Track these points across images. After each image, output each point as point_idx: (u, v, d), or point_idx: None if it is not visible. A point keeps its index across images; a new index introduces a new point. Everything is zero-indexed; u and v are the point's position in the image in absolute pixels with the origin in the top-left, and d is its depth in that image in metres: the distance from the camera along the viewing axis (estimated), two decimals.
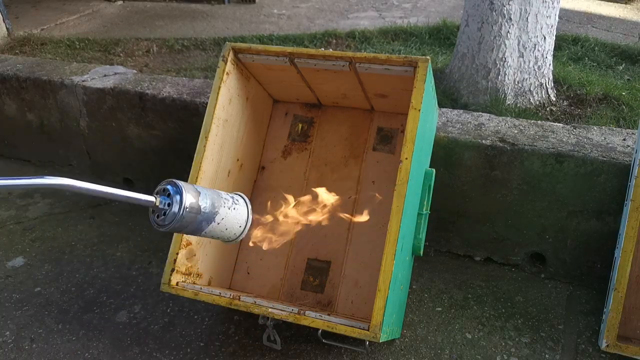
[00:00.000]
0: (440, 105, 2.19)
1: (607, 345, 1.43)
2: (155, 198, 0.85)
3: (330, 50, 1.80)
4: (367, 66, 1.40)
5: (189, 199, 0.85)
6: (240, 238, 0.98)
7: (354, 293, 1.58)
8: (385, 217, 1.59)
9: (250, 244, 1.08)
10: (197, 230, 0.91)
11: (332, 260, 1.63)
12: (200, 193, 0.88)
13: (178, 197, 0.85)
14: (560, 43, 3.22)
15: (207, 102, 1.70)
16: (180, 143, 2.17)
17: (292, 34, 3.80)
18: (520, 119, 1.83)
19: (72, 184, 0.77)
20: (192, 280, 1.48)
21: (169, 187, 0.86)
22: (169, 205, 0.85)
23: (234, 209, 0.94)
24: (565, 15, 4.30)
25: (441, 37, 3.49)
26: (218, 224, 0.92)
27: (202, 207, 0.88)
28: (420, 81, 1.32)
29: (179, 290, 1.39)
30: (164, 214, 0.85)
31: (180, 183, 0.86)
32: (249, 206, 0.97)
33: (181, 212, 0.85)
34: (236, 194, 0.98)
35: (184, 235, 1.42)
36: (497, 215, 1.78)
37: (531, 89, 2.53)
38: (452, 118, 1.84)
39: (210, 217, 0.90)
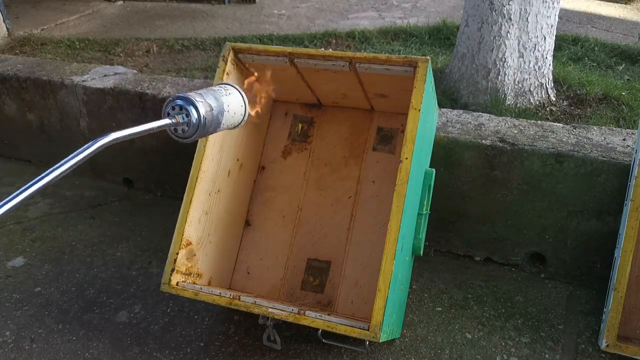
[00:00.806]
0: (440, 105, 2.19)
1: (607, 345, 1.43)
2: (173, 117, 0.92)
3: (330, 50, 1.80)
4: (367, 66, 1.40)
5: (200, 103, 0.92)
6: (247, 117, 1.06)
7: (354, 293, 1.58)
8: (385, 217, 1.59)
9: None
10: (217, 126, 0.98)
11: (332, 260, 1.63)
12: (202, 95, 0.95)
13: (191, 107, 0.91)
14: (560, 43, 3.23)
15: None
16: (180, 143, 2.16)
17: (292, 34, 3.80)
18: (520, 119, 1.83)
19: (117, 136, 0.85)
20: (192, 280, 1.48)
21: (178, 102, 0.92)
22: (187, 116, 0.91)
23: (230, 93, 1.02)
24: (565, 15, 4.30)
25: (441, 37, 3.49)
26: (228, 111, 1.00)
27: (211, 104, 0.95)
28: (420, 81, 1.32)
29: (179, 290, 1.39)
30: (188, 125, 0.92)
31: (185, 94, 0.92)
32: (237, 86, 1.04)
33: (202, 116, 0.92)
34: (219, 85, 1.05)
35: (184, 235, 1.42)
36: (497, 215, 1.78)
37: (531, 89, 2.53)
38: (452, 118, 1.84)
39: (220, 109, 0.97)
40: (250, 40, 3.61)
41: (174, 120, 0.92)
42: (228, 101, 1.00)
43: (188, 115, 0.91)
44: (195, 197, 1.44)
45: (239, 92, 1.04)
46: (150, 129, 0.89)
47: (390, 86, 1.49)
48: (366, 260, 1.60)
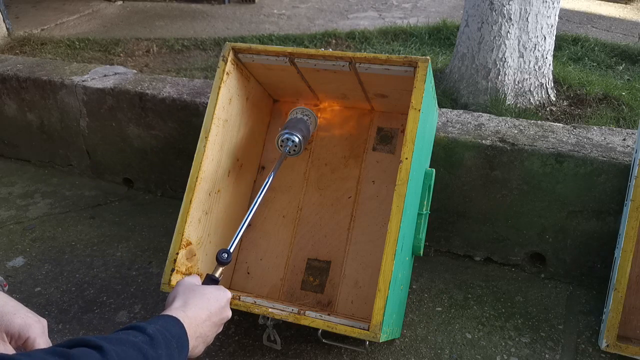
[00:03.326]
0: (440, 105, 2.19)
1: (607, 345, 1.43)
2: (286, 147, 1.48)
3: (330, 50, 1.80)
4: (367, 66, 1.40)
5: (297, 130, 1.50)
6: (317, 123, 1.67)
7: (354, 293, 1.58)
8: (385, 217, 1.59)
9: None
10: (309, 135, 1.58)
11: (332, 260, 1.63)
12: (296, 122, 1.55)
13: (294, 137, 1.48)
14: (560, 43, 3.23)
15: (207, 102, 1.70)
16: (180, 143, 2.17)
17: (292, 34, 3.80)
18: (520, 119, 1.83)
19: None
20: None
21: (285, 136, 1.48)
22: (295, 145, 1.48)
23: (308, 115, 1.62)
24: (565, 15, 4.30)
25: (441, 37, 3.49)
26: (310, 130, 1.59)
27: (302, 128, 1.53)
28: (420, 81, 1.32)
29: None
30: (296, 147, 1.49)
31: (289, 130, 1.49)
32: (308, 110, 1.63)
33: (301, 140, 1.49)
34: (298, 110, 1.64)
35: (184, 235, 1.42)
36: (497, 215, 1.78)
37: (531, 89, 2.53)
38: (452, 118, 1.84)
39: (308, 129, 1.58)
40: (250, 40, 3.61)
41: (287, 150, 1.48)
42: (309, 122, 1.60)
43: (296, 145, 1.48)
44: (195, 197, 1.44)
45: (311, 112, 1.63)
46: (279, 166, 1.46)
47: (390, 86, 1.49)
48: (366, 260, 1.60)
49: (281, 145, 1.48)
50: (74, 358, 0.64)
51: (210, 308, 0.95)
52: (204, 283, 1.08)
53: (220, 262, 1.13)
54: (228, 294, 1.03)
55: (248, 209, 1.73)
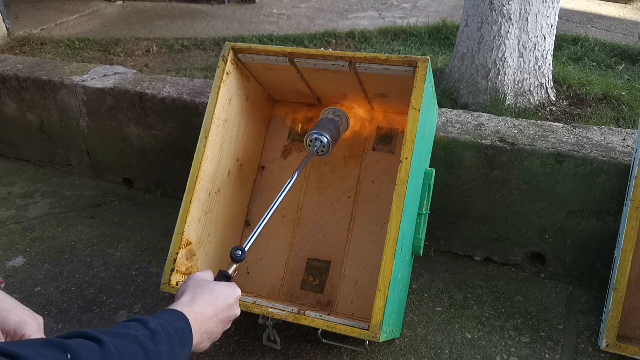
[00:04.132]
0: (440, 105, 2.19)
1: (607, 345, 1.43)
2: (314, 147, 1.47)
3: (330, 50, 1.80)
4: (367, 66, 1.40)
5: (327, 131, 1.48)
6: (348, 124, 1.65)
7: (354, 293, 1.58)
8: (385, 217, 1.59)
9: None
10: (339, 137, 1.56)
11: (332, 260, 1.63)
12: (327, 123, 1.53)
13: (322, 137, 1.46)
14: (560, 43, 3.23)
15: (207, 102, 1.70)
16: (180, 143, 2.17)
17: (292, 34, 3.80)
18: (520, 119, 1.83)
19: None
20: None
21: (314, 136, 1.47)
22: (324, 146, 1.47)
23: (339, 116, 1.62)
24: (565, 15, 4.30)
25: (441, 37, 3.49)
26: (340, 131, 1.58)
27: (331, 129, 1.51)
28: (420, 81, 1.32)
29: None
30: (324, 147, 1.47)
31: (319, 130, 1.48)
32: (340, 111, 1.63)
33: (330, 141, 1.47)
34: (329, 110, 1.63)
35: (184, 235, 1.42)
36: (497, 215, 1.78)
37: (531, 89, 2.53)
38: (452, 118, 1.84)
39: (339, 130, 1.56)
40: (250, 41, 3.61)
41: (315, 150, 1.47)
42: (341, 122, 1.59)
43: (325, 146, 1.47)
44: (195, 197, 1.44)
45: (343, 113, 1.62)
46: (304, 166, 1.44)
47: (390, 86, 1.49)
48: (366, 260, 1.60)
49: (309, 145, 1.47)
50: (70, 349, 0.63)
51: (218, 305, 0.95)
52: (216, 279, 1.07)
53: (233, 259, 1.11)
54: (238, 292, 1.03)
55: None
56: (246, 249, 1.14)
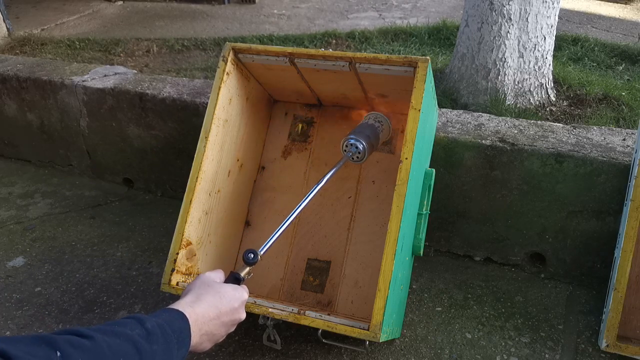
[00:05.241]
0: (440, 105, 2.19)
1: (607, 345, 1.43)
2: (348, 153, 1.42)
3: (330, 50, 1.80)
4: (367, 66, 1.40)
5: (364, 137, 1.43)
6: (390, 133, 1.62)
7: (354, 293, 1.58)
8: (385, 217, 1.59)
9: None
10: (377, 143, 1.51)
11: (332, 260, 1.63)
12: (365, 128, 1.49)
13: (358, 143, 1.41)
14: (560, 43, 3.23)
15: (207, 102, 1.70)
16: (180, 143, 2.17)
17: (292, 34, 3.80)
18: (520, 119, 1.83)
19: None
20: None
21: (351, 142, 1.42)
22: (359, 152, 1.42)
23: (380, 121, 1.56)
24: (565, 15, 4.30)
25: (441, 37, 3.49)
26: (379, 138, 1.53)
27: (369, 135, 1.47)
28: (420, 81, 1.32)
29: (179, 291, 1.39)
30: (360, 156, 1.43)
31: (356, 135, 1.43)
32: (382, 116, 1.58)
33: (366, 147, 1.42)
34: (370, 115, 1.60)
35: (184, 235, 1.42)
36: (497, 215, 1.78)
37: (531, 89, 2.53)
38: (452, 118, 1.84)
39: (378, 136, 1.51)
40: (250, 41, 3.61)
41: (348, 158, 1.42)
42: (380, 128, 1.53)
43: (360, 151, 1.41)
44: (195, 197, 1.44)
45: (384, 118, 1.57)
46: (337, 170, 1.39)
47: (390, 86, 1.49)
48: (366, 260, 1.60)
49: (345, 150, 1.43)
50: (59, 345, 0.62)
51: (221, 307, 0.94)
52: (226, 280, 1.06)
53: (245, 262, 1.10)
54: (244, 296, 1.01)
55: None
56: (261, 253, 1.11)
